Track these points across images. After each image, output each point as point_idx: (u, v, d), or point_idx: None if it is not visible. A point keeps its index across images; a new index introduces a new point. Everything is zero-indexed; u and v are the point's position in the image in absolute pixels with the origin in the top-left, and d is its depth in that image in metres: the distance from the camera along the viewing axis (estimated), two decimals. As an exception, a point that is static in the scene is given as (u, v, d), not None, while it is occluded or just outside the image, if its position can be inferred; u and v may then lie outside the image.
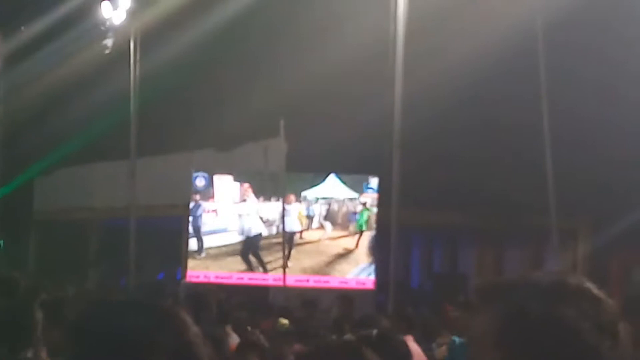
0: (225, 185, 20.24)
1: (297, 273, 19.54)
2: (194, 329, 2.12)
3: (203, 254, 20.19)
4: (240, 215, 20.25)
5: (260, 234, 20.20)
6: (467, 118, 19.61)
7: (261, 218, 20.15)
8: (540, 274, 1.94)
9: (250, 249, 20.18)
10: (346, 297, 14.49)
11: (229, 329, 9.59)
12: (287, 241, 19.45)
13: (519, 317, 1.82)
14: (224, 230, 20.37)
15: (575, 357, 1.79)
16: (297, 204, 20.00)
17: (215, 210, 20.33)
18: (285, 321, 9.44)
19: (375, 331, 6.44)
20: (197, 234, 20.30)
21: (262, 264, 19.95)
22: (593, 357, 1.79)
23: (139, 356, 2.00)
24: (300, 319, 11.97)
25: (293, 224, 19.90)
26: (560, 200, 14.08)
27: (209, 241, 20.29)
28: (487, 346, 1.86)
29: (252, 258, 20.12)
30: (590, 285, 1.89)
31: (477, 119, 19.57)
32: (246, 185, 20.19)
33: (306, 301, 14.03)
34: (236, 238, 20.30)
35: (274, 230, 19.99)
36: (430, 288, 22.14)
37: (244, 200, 20.15)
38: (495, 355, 1.84)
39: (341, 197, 20.14)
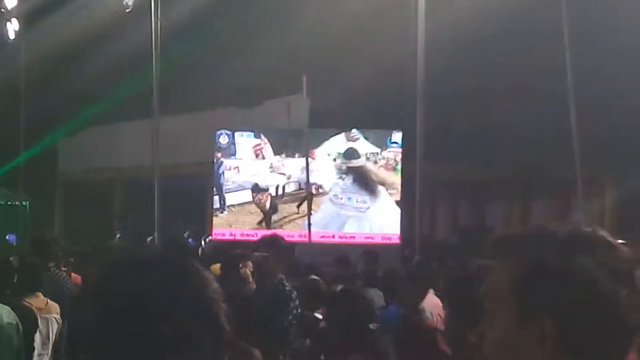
0: (247, 142, 20.19)
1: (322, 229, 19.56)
2: (214, 285, 2.10)
3: (225, 212, 20.20)
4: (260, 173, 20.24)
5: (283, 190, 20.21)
6: (491, 71, 19.47)
7: (284, 174, 20.11)
8: (555, 224, 1.93)
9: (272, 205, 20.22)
10: (370, 252, 14.45)
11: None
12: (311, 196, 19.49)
13: (536, 267, 1.84)
14: (246, 188, 20.36)
15: (592, 305, 1.80)
16: (323, 159, 19.91)
17: (237, 168, 20.30)
18: (314, 277, 9.42)
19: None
20: (219, 191, 20.31)
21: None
22: (610, 305, 1.80)
23: (156, 312, 1.98)
24: (327, 274, 11.94)
25: (321, 179, 19.89)
26: (585, 152, 13.99)
27: (231, 199, 20.29)
28: (503, 297, 1.87)
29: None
30: (604, 234, 1.90)
31: (501, 71, 19.42)
32: (265, 142, 20.13)
33: (340, 258, 13.97)
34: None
35: (296, 187, 19.94)
36: (457, 242, 22.08)
37: (264, 158, 20.09)
38: (512, 305, 1.85)
39: (364, 152, 20.02)
